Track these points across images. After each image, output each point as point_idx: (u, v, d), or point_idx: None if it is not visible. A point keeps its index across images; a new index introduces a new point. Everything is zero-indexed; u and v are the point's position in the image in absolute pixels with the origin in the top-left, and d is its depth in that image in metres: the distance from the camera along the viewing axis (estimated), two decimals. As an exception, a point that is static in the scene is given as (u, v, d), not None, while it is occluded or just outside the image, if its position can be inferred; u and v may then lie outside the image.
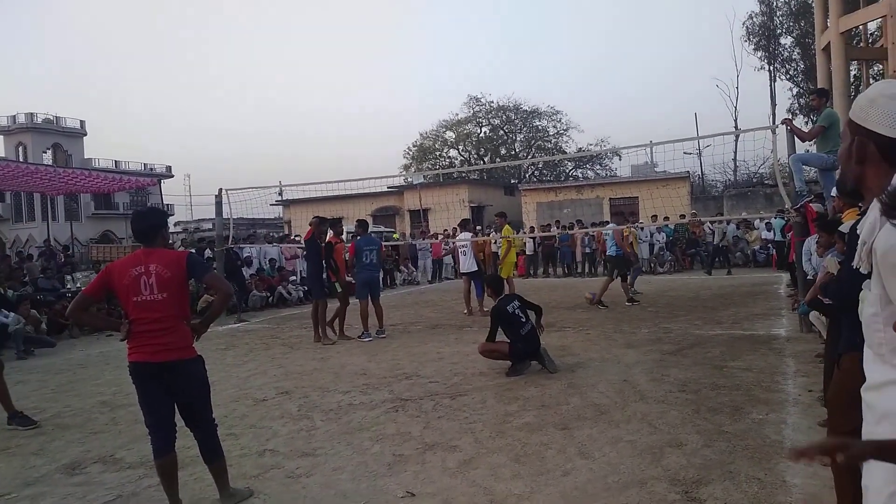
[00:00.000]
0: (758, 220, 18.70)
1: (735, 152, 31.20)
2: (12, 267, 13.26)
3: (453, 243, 12.87)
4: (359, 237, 9.58)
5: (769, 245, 18.01)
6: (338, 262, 9.27)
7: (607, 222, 17.15)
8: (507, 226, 11.92)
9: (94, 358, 9.08)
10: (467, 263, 11.33)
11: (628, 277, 11.73)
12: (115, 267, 3.40)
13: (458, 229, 12.46)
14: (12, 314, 10.08)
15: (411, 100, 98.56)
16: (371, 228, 26.23)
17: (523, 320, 6.37)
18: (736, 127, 36.33)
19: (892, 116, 1.45)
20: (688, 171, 28.77)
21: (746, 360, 6.38)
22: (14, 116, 46.63)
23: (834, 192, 6.10)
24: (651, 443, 4.13)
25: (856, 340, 2.43)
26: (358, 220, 10.05)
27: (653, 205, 22.42)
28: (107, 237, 41.61)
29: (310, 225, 9.51)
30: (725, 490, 3.36)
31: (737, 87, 40.01)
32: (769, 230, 17.87)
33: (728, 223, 18.93)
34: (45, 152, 46.22)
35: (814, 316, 6.60)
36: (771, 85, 38.32)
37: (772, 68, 38.11)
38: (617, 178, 33.69)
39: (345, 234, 10.93)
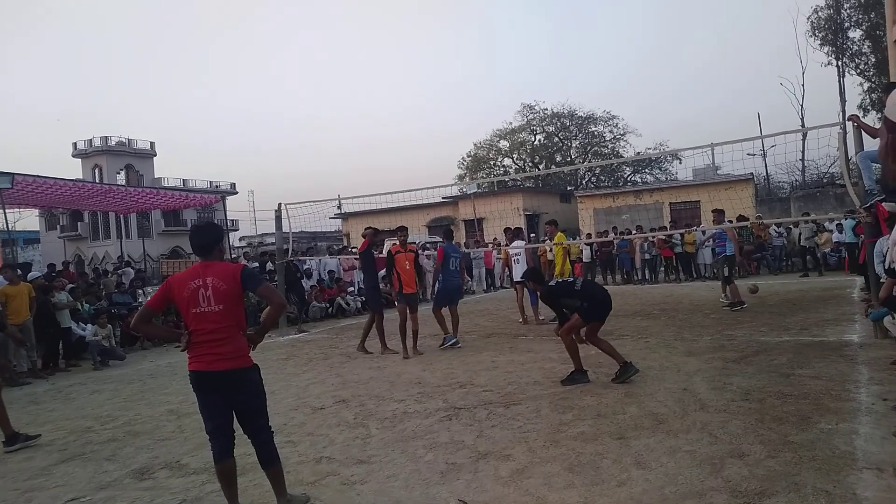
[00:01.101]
0: (827, 222, 17.84)
1: (802, 152, 30.01)
2: (89, 283, 14.00)
3: (505, 250, 12.62)
4: (445, 244, 9.82)
5: (840, 248, 17.17)
6: (399, 272, 8.73)
7: (690, 227, 16.78)
8: (559, 233, 11.79)
9: (163, 368, 9.49)
10: (520, 271, 11.21)
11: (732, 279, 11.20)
12: (175, 280, 3.55)
13: (510, 237, 12.20)
14: (90, 326, 10.67)
15: (466, 112, 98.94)
16: (426, 239, 26.44)
17: (571, 280, 6.70)
18: (802, 125, 34.90)
19: None
20: (752, 173, 27.77)
21: (815, 368, 6.10)
22: (90, 140, 49.51)
23: None
24: (711, 453, 4.00)
25: None
26: (444, 230, 10.32)
27: (713, 208, 21.69)
28: (176, 252, 43.40)
29: (363, 236, 9.67)
30: (790, 502, 3.22)
31: (802, 85, 38.41)
32: (840, 232, 17.05)
33: (806, 224, 18.07)
34: (119, 173, 48.84)
35: (888, 321, 6.27)
36: (839, 81, 36.60)
37: (840, 63, 36.39)
38: (677, 181, 32.86)
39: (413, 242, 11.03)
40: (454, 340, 9.16)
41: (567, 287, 6.39)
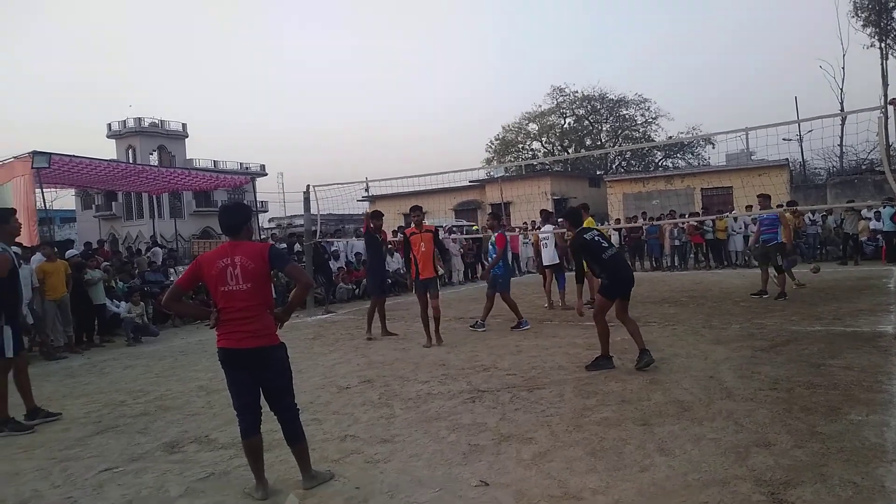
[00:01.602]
0: (865, 210, 17.36)
1: (841, 137, 28.97)
2: (123, 261, 14.33)
3: (535, 234, 12.34)
4: (502, 230, 9.69)
5: (878, 236, 16.73)
6: (415, 255, 8.23)
7: (723, 212, 16.35)
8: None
9: (194, 346, 9.70)
10: (549, 256, 11.15)
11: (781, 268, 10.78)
12: (204, 259, 3.63)
13: (545, 218, 11.91)
14: (123, 304, 10.94)
15: (495, 95, 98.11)
16: (452, 222, 26.39)
17: (605, 245, 6.14)
18: (842, 109, 33.85)
19: None
20: (787, 159, 27.15)
21: (847, 358, 5.97)
22: (124, 121, 50.37)
23: None
24: (736, 441, 3.96)
25: None
26: (493, 213, 10.27)
27: (746, 194, 21.29)
28: (207, 233, 44.16)
29: (364, 218, 9.53)
30: (816, 493, 3.18)
31: (843, 68, 37.14)
32: (878, 220, 16.60)
33: (848, 211, 17.57)
34: (152, 154, 49.70)
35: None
36: (882, 63, 35.26)
37: (883, 45, 35.06)
38: (709, 166, 32.26)
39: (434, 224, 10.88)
40: (528, 325, 9.11)
41: (597, 248, 6.11)
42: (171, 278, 13.75)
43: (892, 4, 34.66)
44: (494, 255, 9.38)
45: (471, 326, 9.34)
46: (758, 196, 11.03)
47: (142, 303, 11.10)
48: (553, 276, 11.21)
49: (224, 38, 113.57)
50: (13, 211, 6.09)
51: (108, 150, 49.99)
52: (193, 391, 6.50)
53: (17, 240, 11.39)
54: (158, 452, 4.56)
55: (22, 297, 5.89)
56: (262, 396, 3.62)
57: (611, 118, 48.46)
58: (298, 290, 3.73)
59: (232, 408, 3.67)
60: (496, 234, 9.46)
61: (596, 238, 6.17)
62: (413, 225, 8.46)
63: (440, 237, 9.12)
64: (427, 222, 8.40)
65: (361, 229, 10.26)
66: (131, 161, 43.31)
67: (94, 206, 49.51)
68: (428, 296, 8.23)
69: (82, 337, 10.43)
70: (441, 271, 8.61)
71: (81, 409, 6.07)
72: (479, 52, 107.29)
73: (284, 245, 16.45)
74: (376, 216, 9.44)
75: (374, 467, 3.96)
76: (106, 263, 12.09)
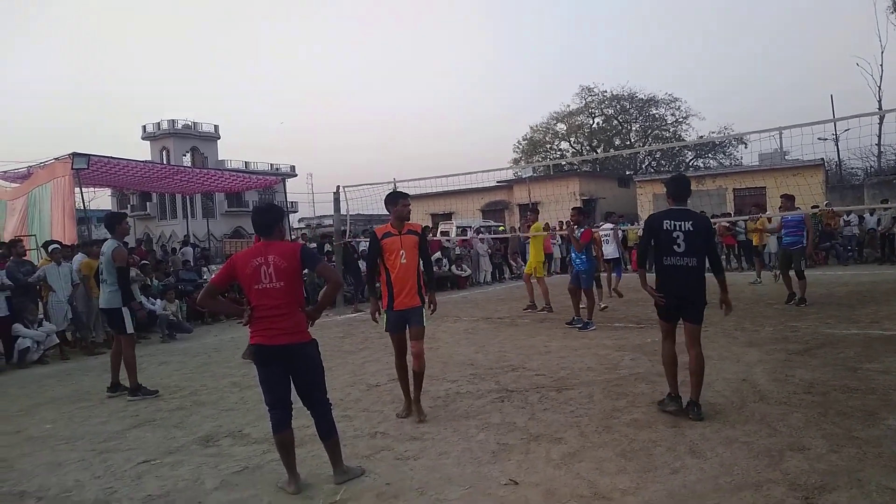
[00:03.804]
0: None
1: (879, 136, 28.25)
2: (158, 260, 14.66)
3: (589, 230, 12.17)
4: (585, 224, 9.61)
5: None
6: (388, 269, 4.95)
7: (754, 214, 16.13)
8: (537, 223, 11.94)
9: (227, 343, 9.88)
10: (610, 251, 11.84)
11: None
12: (238, 258, 3.73)
13: (575, 218, 11.88)
14: (159, 301, 11.19)
15: (524, 94, 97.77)
16: (479, 223, 26.36)
17: (679, 248, 4.56)
18: (880, 108, 32.97)
19: None
20: (822, 159, 26.53)
21: (885, 363, 5.83)
22: (158, 123, 51.43)
23: None
24: (770, 445, 3.91)
25: None
26: (578, 208, 10.08)
27: (780, 194, 20.83)
28: (238, 233, 44.83)
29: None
30: (852, 498, 3.13)
31: (881, 65, 36.10)
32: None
33: (885, 211, 17.11)
34: (185, 155, 50.63)
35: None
36: (924, 59, 34.33)
37: (925, 41, 34.12)
38: (742, 166, 31.70)
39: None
40: (593, 326, 8.94)
41: (667, 239, 4.63)
42: (205, 277, 14.01)
43: (933, -1, 33.60)
44: (583, 250, 9.25)
45: (578, 328, 8.99)
46: (781, 196, 10.83)
47: (176, 300, 11.34)
48: (612, 269, 11.98)
49: (253, 42, 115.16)
50: (125, 214, 7.65)
51: (142, 151, 51.16)
52: (227, 387, 6.64)
53: (57, 238, 11.69)
54: (194, 446, 4.67)
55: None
56: (293, 392, 3.70)
57: (640, 118, 47.88)
58: (329, 288, 3.80)
59: (264, 403, 3.75)
60: (583, 229, 9.45)
61: (673, 226, 4.62)
62: (390, 222, 5.03)
63: (428, 240, 6.07)
64: (413, 220, 5.20)
65: None
66: (165, 162, 44.19)
67: (129, 206, 50.57)
68: (408, 335, 5.03)
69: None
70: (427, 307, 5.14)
71: (119, 403, 6.26)
72: (511, 51, 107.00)
73: (315, 245, 16.63)
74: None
75: (403, 464, 4.01)
76: (144, 262, 12.36)
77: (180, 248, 19.49)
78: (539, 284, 11.36)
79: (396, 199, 5.02)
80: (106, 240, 6.82)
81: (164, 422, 5.43)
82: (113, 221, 6.75)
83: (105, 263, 6.49)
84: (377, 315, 5.05)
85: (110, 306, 6.51)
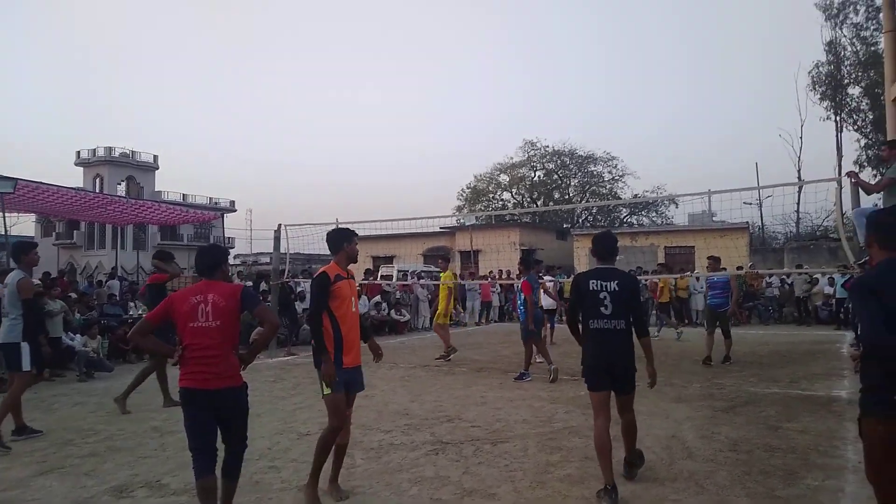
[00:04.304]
0: (820, 275, 18.01)
1: (798, 204, 30.24)
2: (81, 292, 13.94)
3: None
4: (527, 275, 9.47)
5: (832, 301, 17.29)
6: (338, 320, 4.17)
7: (685, 272, 16.93)
8: (447, 272, 12.03)
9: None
10: (547, 302, 12.06)
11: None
12: (177, 295, 3.67)
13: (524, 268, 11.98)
14: (79, 336, 10.59)
15: (466, 143, 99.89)
16: (421, 268, 26.48)
17: (606, 310, 4.32)
18: (799, 177, 35.33)
19: None
20: (747, 222, 28.03)
21: (803, 422, 6.09)
22: (94, 150, 49.72)
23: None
24: (697, 504, 3.98)
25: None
26: (525, 257, 10.16)
27: (707, 254, 21.83)
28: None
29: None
30: (774, 559, 3.20)
31: (801, 138, 39.05)
32: (831, 286, 17.20)
33: (799, 276, 18.22)
34: (120, 184, 48.96)
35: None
36: (837, 136, 37.20)
37: (838, 119, 37.06)
38: (673, 225, 33.12)
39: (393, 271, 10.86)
40: (529, 377, 8.91)
41: (593, 301, 4.36)
42: (131, 312, 13.39)
43: (846, 81, 36.71)
44: (523, 304, 9.19)
45: (514, 378, 8.99)
46: (708, 258, 11.26)
47: (98, 336, 10.75)
48: (548, 319, 12.24)
49: (201, 73, 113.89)
50: (34, 244, 7.08)
51: (75, 177, 49.18)
52: (146, 432, 6.28)
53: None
54: (105, 497, 4.37)
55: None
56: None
57: (579, 174, 49.65)
58: (266, 331, 3.76)
59: (187, 451, 3.57)
60: (522, 280, 9.38)
61: (598, 288, 4.39)
62: (335, 262, 4.33)
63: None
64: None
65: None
66: (98, 191, 42.56)
67: (54, 233, 48.22)
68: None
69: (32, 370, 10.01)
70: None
71: (25, 446, 5.79)
72: (454, 103, 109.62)
73: (250, 283, 16.20)
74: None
75: (332, 520, 3.86)
76: (73, 295, 11.72)
77: (106, 281, 18.59)
78: (441, 330, 11.44)
79: (350, 237, 4.38)
80: (12, 269, 6.47)
81: (73, 469, 5.06)
82: (19, 251, 6.39)
83: (9, 295, 6.12)
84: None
85: (6, 341, 6.10)
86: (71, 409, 7.70)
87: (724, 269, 13.76)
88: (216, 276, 3.71)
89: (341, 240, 4.32)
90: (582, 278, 4.55)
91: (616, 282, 4.38)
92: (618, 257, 4.74)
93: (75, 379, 9.98)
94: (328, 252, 4.43)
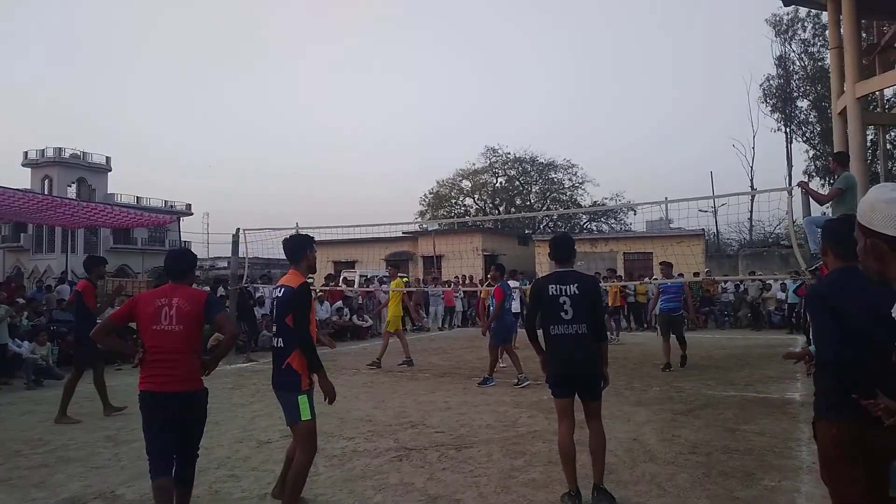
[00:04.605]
0: (772, 281, 18.60)
1: (751, 212, 31.18)
2: (29, 298, 13.42)
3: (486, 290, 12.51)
4: (501, 282, 9.52)
5: (784, 306, 17.85)
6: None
7: (643, 278, 17.24)
8: (397, 279, 12.19)
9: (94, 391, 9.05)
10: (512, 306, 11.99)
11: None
12: (142, 297, 3.61)
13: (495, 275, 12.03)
14: (26, 343, 10.18)
15: (428, 147, 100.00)
16: (383, 273, 26.40)
17: (567, 315, 4.19)
18: (752, 186, 36.51)
19: (893, 219, 1.77)
20: (703, 229, 28.77)
21: (759, 424, 6.25)
22: (43, 150, 47.98)
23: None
24: (659, 506, 4.03)
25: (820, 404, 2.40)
26: (498, 265, 10.10)
27: (661, 261, 22.37)
28: (123, 271, 41.98)
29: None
30: (735, 559, 3.26)
31: (753, 148, 40.60)
32: (783, 291, 17.75)
33: (753, 283, 18.81)
34: (70, 186, 47.33)
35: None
36: (787, 146, 38.64)
37: (788, 130, 38.48)
38: (632, 232, 33.77)
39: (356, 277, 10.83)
40: (493, 382, 8.92)
41: (555, 306, 4.25)
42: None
43: (795, 95, 38.12)
44: (493, 309, 9.33)
45: (478, 384, 8.98)
46: (660, 264, 11.45)
47: (48, 343, 10.36)
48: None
49: (158, 74, 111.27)
50: None
51: (21, 179, 47.38)
52: (99, 441, 6.06)
53: None
54: (56, 510, 4.19)
55: None
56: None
57: (540, 180, 50.22)
58: (226, 339, 3.69)
59: (143, 461, 3.48)
60: (495, 286, 9.44)
61: (559, 293, 4.28)
62: (295, 271, 4.02)
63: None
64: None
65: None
66: (47, 192, 41.09)
67: (0, 236, 46.42)
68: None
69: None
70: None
71: (-31, 459, 5.53)
72: (418, 106, 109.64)
73: (207, 288, 15.86)
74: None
75: (295, 529, 3.77)
76: (20, 300, 11.26)
77: (56, 286, 17.94)
78: (399, 338, 11.38)
79: (311, 244, 4.12)
80: None
81: (22, 481, 4.84)
82: None
83: None
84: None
85: None
86: (19, 418, 7.39)
87: (681, 275, 14.13)
88: (184, 280, 3.69)
89: (304, 247, 4.04)
90: (542, 283, 4.43)
91: (576, 285, 4.26)
92: (578, 263, 4.71)
93: (23, 387, 9.60)
94: (285, 258, 4.06)
